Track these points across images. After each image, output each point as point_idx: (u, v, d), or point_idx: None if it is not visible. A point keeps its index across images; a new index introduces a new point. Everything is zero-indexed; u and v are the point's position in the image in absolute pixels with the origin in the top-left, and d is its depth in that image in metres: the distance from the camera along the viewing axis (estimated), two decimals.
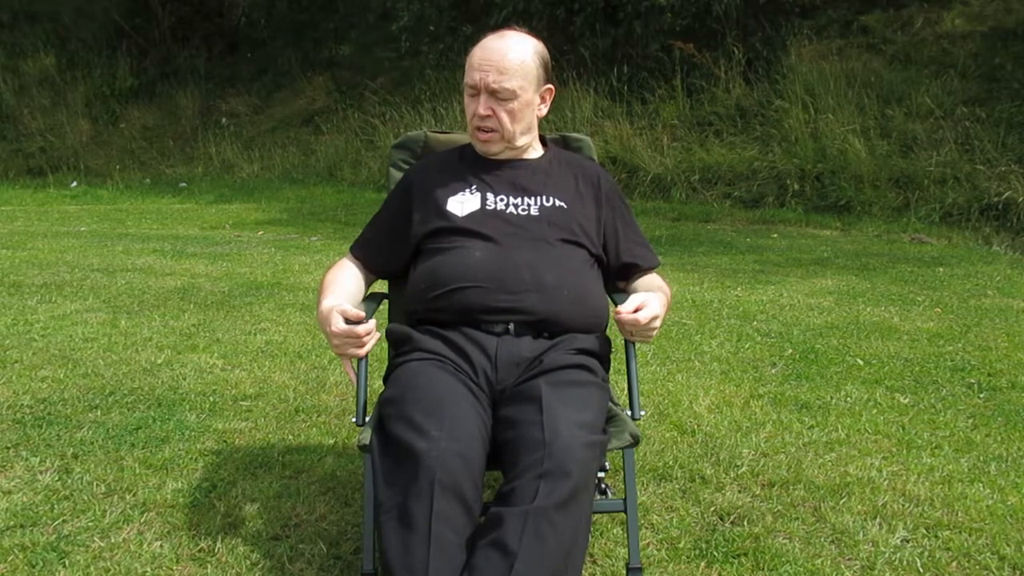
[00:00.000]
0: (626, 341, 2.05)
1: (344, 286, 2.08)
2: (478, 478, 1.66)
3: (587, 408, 1.79)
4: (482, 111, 2.04)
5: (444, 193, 2.09)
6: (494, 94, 2.03)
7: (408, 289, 2.08)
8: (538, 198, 2.08)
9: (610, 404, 1.98)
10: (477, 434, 1.72)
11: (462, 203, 2.07)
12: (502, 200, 2.07)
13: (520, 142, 2.12)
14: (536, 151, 2.18)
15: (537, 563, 1.52)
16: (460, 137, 2.37)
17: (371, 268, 2.18)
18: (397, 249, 2.13)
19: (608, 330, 2.07)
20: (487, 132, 2.08)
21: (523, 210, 2.05)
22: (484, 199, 2.07)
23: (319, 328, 2.03)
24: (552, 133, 2.38)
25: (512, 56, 2.03)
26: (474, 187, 2.09)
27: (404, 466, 1.64)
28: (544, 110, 2.13)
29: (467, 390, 1.83)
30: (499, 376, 1.87)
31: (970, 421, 2.99)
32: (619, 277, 2.19)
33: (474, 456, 1.67)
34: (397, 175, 2.33)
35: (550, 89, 2.11)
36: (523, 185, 2.09)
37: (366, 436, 1.80)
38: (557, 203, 2.08)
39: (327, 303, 1.97)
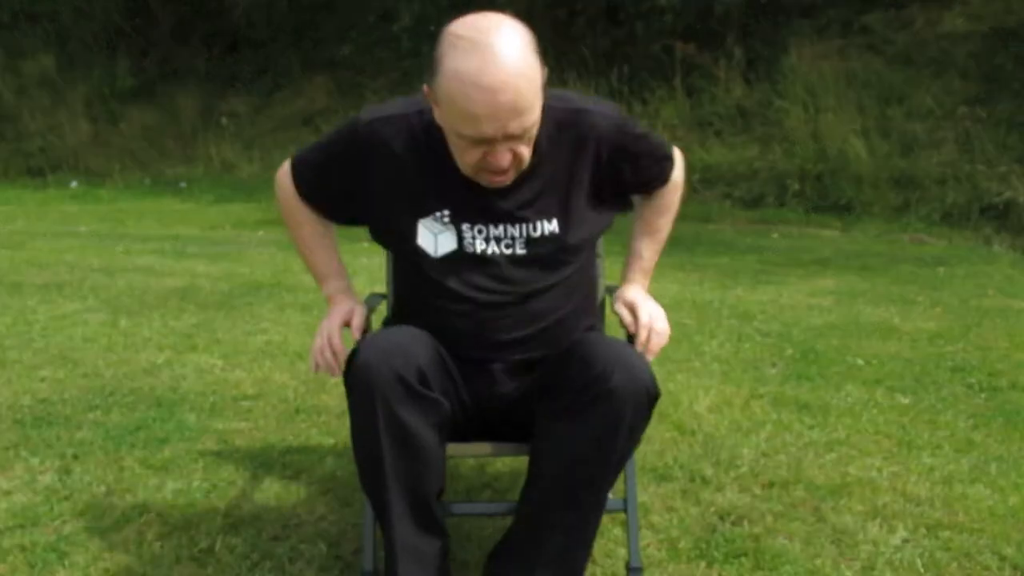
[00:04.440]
0: (627, 337, 2.04)
1: (341, 268, 1.96)
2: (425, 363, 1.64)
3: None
4: (503, 163, 1.61)
5: (412, 209, 1.74)
6: (512, 139, 1.59)
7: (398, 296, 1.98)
8: (523, 227, 1.73)
9: None
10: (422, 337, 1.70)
11: (435, 236, 1.74)
12: (481, 233, 1.73)
13: None
14: None
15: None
16: None
17: (329, 218, 1.94)
18: (352, 209, 1.86)
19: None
20: (501, 175, 1.66)
21: (507, 246, 1.73)
22: (460, 235, 1.73)
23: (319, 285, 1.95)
24: None
25: (524, 83, 1.53)
26: (447, 214, 1.73)
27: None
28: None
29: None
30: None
31: (970, 421, 2.99)
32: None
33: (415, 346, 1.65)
34: None
35: (544, 73, 1.62)
36: (504, 208, 1.72)
37: None
38: (547, 230, 1.74)
39: (344, 292, 1.90)
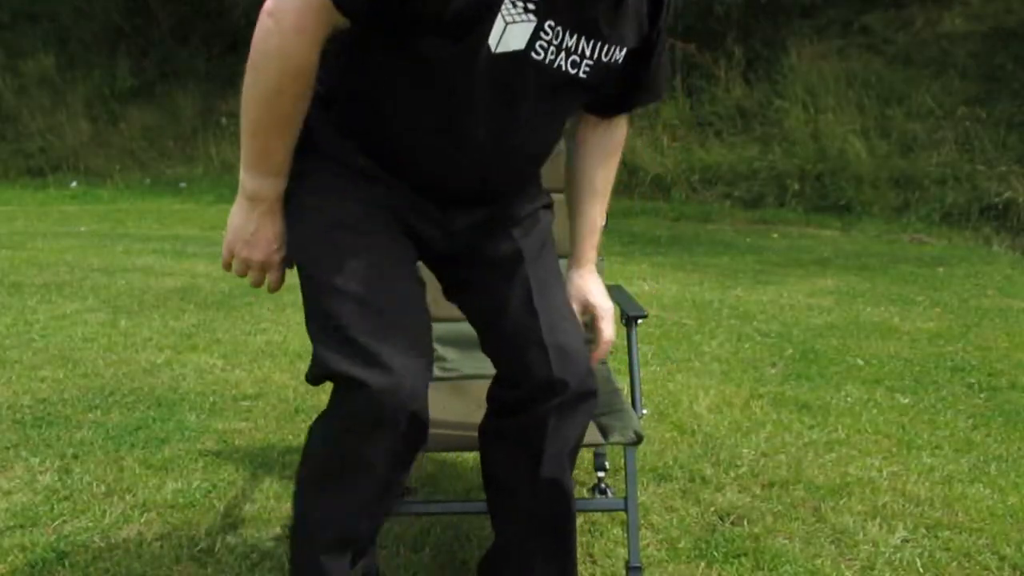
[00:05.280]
0: (628, 337, 2.05)
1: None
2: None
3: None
4: None
5: None
6: None
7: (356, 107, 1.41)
8: (599, 48, 1.38)
9: (614, 392, 1.97)
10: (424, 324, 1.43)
11: (506, 25, 1.29)
12: (557, 37, 1.32)
13: None
14: None
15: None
16: None
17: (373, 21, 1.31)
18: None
19: None
20: None
21: (572, 64, 1.37)
22: (538, 32, 1.30)
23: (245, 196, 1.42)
24: None
25: None
26: (532, 4, 1.29)
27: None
28: None
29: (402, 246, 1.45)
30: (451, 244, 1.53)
31: (970, 421, 2.99)
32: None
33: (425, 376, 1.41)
34: None
35: None
36: (596, 21, 1.36)
37: None
38: (616, 56, 1.41)
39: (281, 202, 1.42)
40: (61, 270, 5.68)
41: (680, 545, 2.10)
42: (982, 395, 3.28)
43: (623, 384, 2.21)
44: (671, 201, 8.88)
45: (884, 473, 2.53)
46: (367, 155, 1.42)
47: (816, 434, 2.85)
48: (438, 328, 2.28)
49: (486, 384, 2.14)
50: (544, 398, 1.50)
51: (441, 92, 1.33)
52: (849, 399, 3.21)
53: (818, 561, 2.03)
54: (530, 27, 1.30)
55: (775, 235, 7.49)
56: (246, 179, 1.38)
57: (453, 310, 2.29)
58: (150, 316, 4.40)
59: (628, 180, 9.15)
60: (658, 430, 2.85)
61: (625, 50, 1.42)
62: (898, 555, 2.06)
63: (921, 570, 2.00)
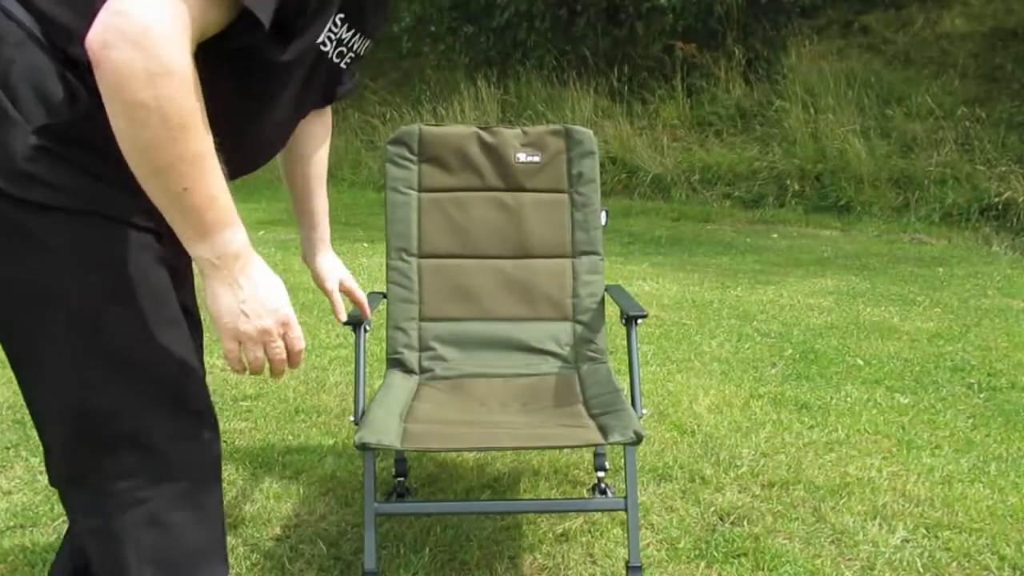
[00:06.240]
0: (628, 336, 2.04)
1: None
2: None
3: None
4: None
5: None
6: None
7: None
8: (361, 42, 1.35)
9: (615, 392, 1.97)
10: None
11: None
12: (338, 29, 1.25)
13: None
14: None
15: None
16: (456, 129, 2.38)
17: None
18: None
19: None
20: None
21: (339, 55, 1.30)
22: (331, 26, 1.23)
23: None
24: (555, 125, 2.40)
25: None
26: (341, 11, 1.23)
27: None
28: None
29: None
30: None
31: (970, 421, 2.99)
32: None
33: None
34: (395, 171, 2.35)
35: None
36: (364, 13, 1.30)
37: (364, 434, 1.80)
38: (365, 49, 1.38)
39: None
40: None
41: (680, 545, 2.10)
42: (982, 395, 3.28)
43: (623, 384, 2.21)
44: (671, 201, 8.88)
45: (884, 473, 2.53)
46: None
47: (816, 434, 2.85)
48: (438, 328, 2.29)
49: (486, 383, 2.15)
50: None
51: (262, 94, 1.24)
52: (849, 399, 3.21)
53: (818, 561, 2.03)
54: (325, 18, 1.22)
55: (775, 235, 7.49)
56: (202, 250, 1.13)
57: (453, 310, 2.29)
58: None
59: (628, 180, 9.15)
60: (658, 430, 2.85)
61: (369, 43, 1.37)
62: (898, 555, 2.06)
63: (921, 570, 2.00)
